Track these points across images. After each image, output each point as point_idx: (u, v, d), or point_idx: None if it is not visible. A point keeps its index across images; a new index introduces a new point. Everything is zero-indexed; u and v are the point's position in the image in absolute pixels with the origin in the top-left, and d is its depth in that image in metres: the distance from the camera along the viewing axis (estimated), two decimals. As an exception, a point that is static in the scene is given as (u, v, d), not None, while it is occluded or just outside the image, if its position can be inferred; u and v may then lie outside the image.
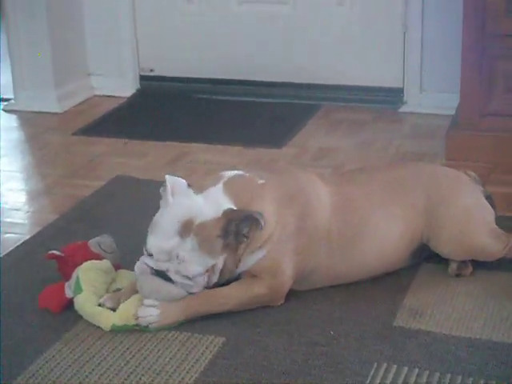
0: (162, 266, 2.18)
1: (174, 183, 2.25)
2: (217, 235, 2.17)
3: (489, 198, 2.52)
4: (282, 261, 2.27)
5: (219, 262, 2.20)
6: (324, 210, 2.34)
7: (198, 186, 2.29)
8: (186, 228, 2.16)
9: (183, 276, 2.17)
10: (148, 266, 2.20)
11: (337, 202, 2.36)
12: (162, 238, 2.18)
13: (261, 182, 2.32)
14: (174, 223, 2.17)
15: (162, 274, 2.18)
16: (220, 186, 2.26)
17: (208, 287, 2.22)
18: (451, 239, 2.41)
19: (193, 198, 2.22)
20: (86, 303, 2.23)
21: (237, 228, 2.18)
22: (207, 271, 2.19)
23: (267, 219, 2.22)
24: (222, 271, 2.22)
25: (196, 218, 2.17)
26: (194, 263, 2.16)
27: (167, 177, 2.27)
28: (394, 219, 2.39)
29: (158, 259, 2.18)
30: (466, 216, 2.42)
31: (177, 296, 2.19)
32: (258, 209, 2.22)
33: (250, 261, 2.26)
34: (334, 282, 2.38)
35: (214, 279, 2.22)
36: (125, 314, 2.19)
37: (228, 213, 2.19)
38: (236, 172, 2.35)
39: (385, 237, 2.39)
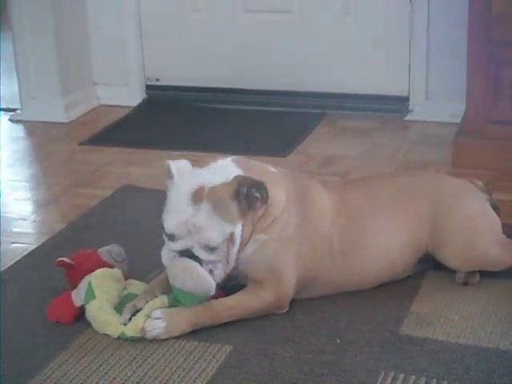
0: (186, 244, 2.14)
1: (178, 164, 2.22)
2: (230, 197, 2.14)
3: (495, 207, 2.50)
4: (284, 262, 2.25)
5: (237, 229, 2.16)
6: (326, 217, 2.33)
7: (202, 162, 2.24)
8: (198, 196, 2.13)
9: (207, 249, 2.13)
10: (173, 251, 2.17)
11: (339, 210, 2.35)
12: (175, 212, 2.15)
13: (273, 169, 2.33)
14: (185, 195, 2.14)
15: (188, 254, 2.14)
16: (229, 159, 2.25)
17: (229, 261, 2.17)
18: (457, 250, 2.39)
19: (200, 171, 2.19)
20: (101, 310, 2.23)
21: (248, 191, 2.15)
22: (226, 240, 2.15)
23: (275, 201, 2.22)
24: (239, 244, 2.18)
25: (206, 184, 2.14)
26: (212, 229, 2.11)
27: (169, 162, 2.23)
28: (397, 227, 2.38)
29: (179, 236, 2.14)
30: (471, 226, 2.39)
31: (207, 282, 2.14)
32: (271, 185, 2.20)
33: (253, 246, 2.23)
34: (336, 291, 2.37)
35: (234, 252, 2.17)
36: (134, 325, 2.18)
37: (238, 177, 2.16)
38: (243, 158, 2.34)
39: (388, 245, 2.37)
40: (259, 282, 2.25)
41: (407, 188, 2.44)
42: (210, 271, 2.16)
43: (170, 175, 2.22)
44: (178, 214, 2.14)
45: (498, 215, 2.49)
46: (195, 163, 2.23)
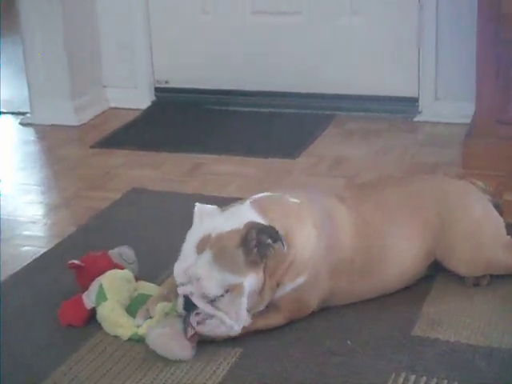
0: (185, 290, 2.06)
1: (203, 209, 2.16)
2: (235, 246, 2.04)
3: (497, 206, 2.48)
4: (311, 294, 2.22)
5: (245, 281, 2.05)
6: (349, 240, 2.27)
7: (225, 207, 2.19)
8: (203, 243, 2.06)
9: (205, 299, 2.04)
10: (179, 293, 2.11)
11: (359, 228, 2.29)
12: (182, 259, 2.10)
13: (294, 200, 2.24)
14: (192, 242, 2.08)
15: (188, 303, 2.07)
16: (247, 203, 2.17)
17: (238, 313, 2.07)
18: (464, 256, 2.37)
19: (216, 216, 2.13)
20: (113, 311, 2.24)
21: (258, 237, 2.04)
22: (227, 291, 2.04)
23: (305, 240, 2.15)
24: (255, 298, 2.09)
25: (214, 232, 2.07)
26: (210, 279, 2.02)
27: (197, 204, 2.18)
28: (410, 238, 2.36)
29: (181, 283, 2.09)
30: (477, 231, 2.37)
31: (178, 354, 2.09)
32: (296, 227, 2.14)
33: (289, 287, 2.17)
34: (351, 302, 2.34)
35: (243, 306, 2.07)
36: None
37: (249, 224, 2.06)
38: (265, 193, 2.28)
39: (403, 257, 2.35)
40: (280, 306, 2.21)
41: (415, 195, 2.41)
42: (198, 323, 2.07)
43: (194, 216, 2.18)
44: (181, 261, 2.10)
45: (501, 214, 2.48)
46: (223, 208, 2.17)
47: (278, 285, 2.16)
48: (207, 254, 2.05)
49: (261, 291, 2.12)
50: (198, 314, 2.07)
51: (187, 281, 2.07)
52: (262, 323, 2.19)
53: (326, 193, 2.40)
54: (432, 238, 2.38)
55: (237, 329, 2.10)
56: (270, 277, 2.12)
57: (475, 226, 2.38)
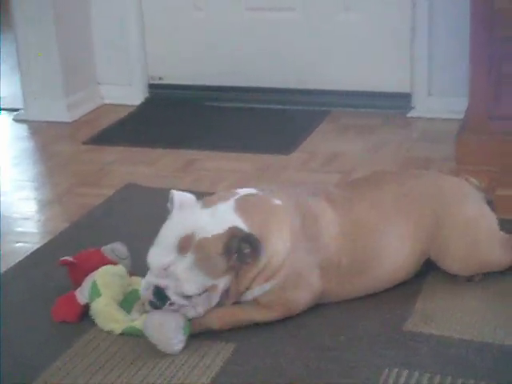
0: (160, 282, 2.09)
1: (182, 197, 2.17)
2: (218, 253, 2.07)
3: (490, 202, 2.48)
4: (295, 294, 2.22)
5: (220, 283, 2.11)
6: (335, 242, 2.27)
7: (206, 201, 2.19)
8: (186, 244, 2.07)
9: (181, 295, 2.09)
10: (147, 281, 2.12)
11: (348, 230, 2.28)
12: (160, 252, 2.10)
13: (277, 202, 2.24)
14: (174, 237, 2.08)
15: (159, 291, 2.10)
16: (231, 202, 2.17)
17: (210, 304, 2.14)
18: (459, 255, 2.37)
19: (198, 212, 2.14)
20: (108, 307, 2.24)
21: (239, 246, 2.07)
22: (206, 291, 2.10)
23: (280, 247, 2.16)
24: (224, 294, 2.14)
25: (197, 233, 2.08)
26: (190, 281, 2.06)
27: (173, 192, 2.19)
28: (404, 237, 2.35)
29: (157, 275, 2.10)
30: (472, 230, 2.37)
31: (170, 344, 2.10)
32: (273, 232, 2.15)
33: (257, 291, 2.19)
34: (342, 299, 2.34)
35: (214, 301, 2.14)
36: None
37: (231, 230, 2.08)
38: (250, 190, 2.27)
39: (395, 257, 2.34)
40: (268, 306, 2.22)
41: (410, 194, 2.39)
42: (171, 305, 2.11)
43: (171, 205, 2.18)
44: (161, 256, 2.09)
45: (493, 210, 2.47)
46: (203, 201, 2.17)
47: (246, 288, 2.18)
48: (190, 258, 2.06)
49: (228, 290, 2.16)
50: (171, 304, 2.11)
51: (163, 275, 2.09)
52: (245, 317, 2.21)
53: (315, 192, 2.36)
54: (426, 237, 2.37)
55: (202, 312, 2.15)
56: (239, 280, 2.15)
57: (470, 224, 2.38)
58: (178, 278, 2.07)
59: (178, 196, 2.18)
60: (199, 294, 2.10)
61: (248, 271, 2.15)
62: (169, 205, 2.20)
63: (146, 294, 2.14)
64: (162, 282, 2.09)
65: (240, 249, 2.08)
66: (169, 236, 2.11)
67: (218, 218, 2.11)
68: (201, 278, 2.07)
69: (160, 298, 2.11)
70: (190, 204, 2.17)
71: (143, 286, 2.15)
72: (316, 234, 2.25)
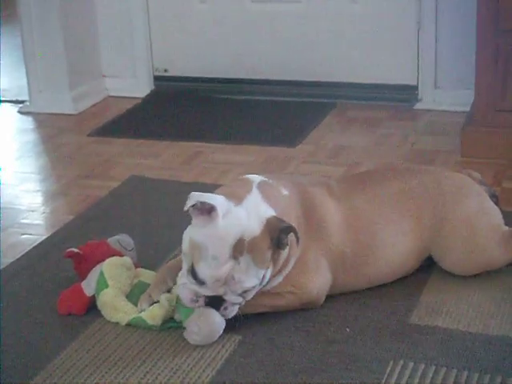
0: (217, 292, 2.10)
1: (219, 202, 2.10)
2: (267, 247, 2.13)
3: (494, 196, 2.47)
4: (306, 278, 2.25)
5: (268, 272, 2.16)
6: (337, 231, 2.30)
7: (231, 195, 2.15)
8: (239, 248, 2.08)
9: (238, 293, 2.12)
10: (199, 294, 2.11)
11: (349, 220, 2.32)
12: (215, 266, 2.07)
13: (285, 193, 2.28)
14: (226, 248, 2.07)
15: (216, 298, 2.11)
16: (256, 192, 2.19)
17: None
18: (458, 256, 2.37)
19: (236, 214, 2.12)
20: (115, 298, 2.24)
21: (279, 235, 2.13)
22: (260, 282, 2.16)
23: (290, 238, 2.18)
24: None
25: (245, 236, 2.09)
26: (251, 277, 2.11)
27: (194, 194, 2.11)
28: (403, 233, 2.36)
29: (211, 286, 2.10)
30: (473, 229, 2.36)
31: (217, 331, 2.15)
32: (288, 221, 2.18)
33: (271, 283, 2.22)
34: (345, 292, 2.35)
35: (258, 290, 2.18)
36: (151, 314, 2.20)
37: (271, 221, 2.13)
38: (258, 177, 2.28)
39: (396, 252, 2.35)
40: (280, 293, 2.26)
41: (411, 191, 2.39)
42: (225, 308, 2.13)
43: (208, 211, 2.10)
44: (217, 269, 2.08)
45: (497, 204, 2.47)
46: (229, 197, 2.14)
47: (278, 271, 2.22)
48: (246, 258, 2.09)
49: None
50: (225, 308, 2.14)
51: (221, 284, 2.10)
52: (269, 302, 2.24)
53: (317, 184, 2.38)
54: (427, 234, 2.37)
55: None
56: (274, 265, 2.19)
57: (471, 224, 2.37)
58: (240, 280, 2.10)
59: (215, 201, 2.11)
60: (254, 286, 2.13)
61: (281, 257, 2.20)
62: (190, 209, 2.12)
63: (197, 305, 2.13)
64: (220, 291, 2.11)
65: (280, 238, 2.13)
66: (220, 248, 2.09)
67: (254, 213, 2.13)
68: (257, 271, 2.12)
69: (216, 303, 2.12)
70: (227, 209, 2.12)
71: (185, 294, 2.13)
72: (318, 223, 2.28)
